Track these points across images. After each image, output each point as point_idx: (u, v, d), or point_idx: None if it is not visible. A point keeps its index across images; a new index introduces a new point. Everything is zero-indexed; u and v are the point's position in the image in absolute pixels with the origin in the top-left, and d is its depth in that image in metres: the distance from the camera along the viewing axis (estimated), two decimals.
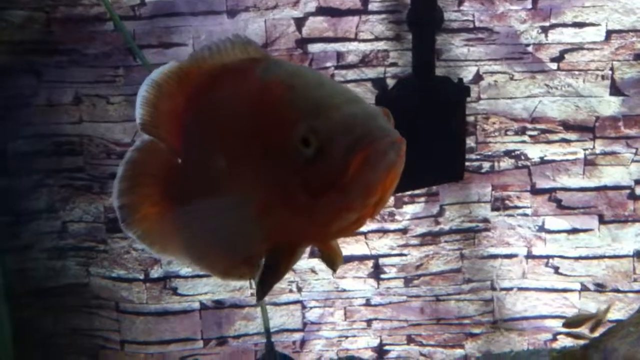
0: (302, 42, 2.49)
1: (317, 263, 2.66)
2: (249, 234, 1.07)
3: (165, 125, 1.15)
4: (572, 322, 2.48)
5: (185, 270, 2.67)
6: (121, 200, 1.18)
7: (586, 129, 2.55)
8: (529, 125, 2.56)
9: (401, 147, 0.94)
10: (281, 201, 1.00)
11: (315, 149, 0.95)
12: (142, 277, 2.68)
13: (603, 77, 2.50)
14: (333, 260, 1.20)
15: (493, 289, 2.70)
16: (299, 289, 2.71)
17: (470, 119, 2.54)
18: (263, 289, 1.12)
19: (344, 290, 2.71)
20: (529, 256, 2.67)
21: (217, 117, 1.10)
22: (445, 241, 2.68)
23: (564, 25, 2.47)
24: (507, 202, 2.63)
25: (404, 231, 2.67)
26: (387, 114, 1.01)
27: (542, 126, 2.56)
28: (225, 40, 1.11)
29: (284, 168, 0.98)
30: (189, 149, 1.15)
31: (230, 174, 1.07)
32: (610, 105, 2.53)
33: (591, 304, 2.68)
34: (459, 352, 2.76)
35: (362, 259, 2.69)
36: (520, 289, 2.70)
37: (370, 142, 0.93)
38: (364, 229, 2.63)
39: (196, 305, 2.72)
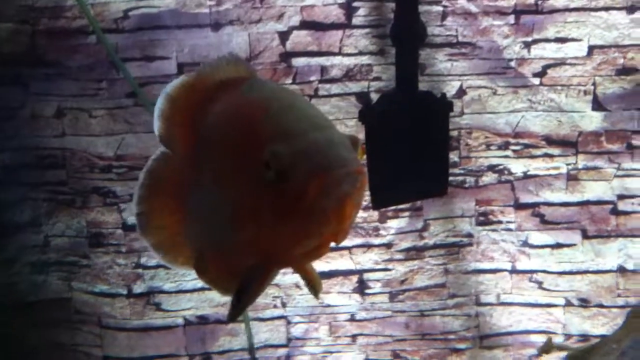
0: (286, 56, 2.50)
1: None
2: (233, 245, 1.11)
3: (178, 137, 1.20)
4: (545, 348, 2.50)
5: (169, 285, 2.66)
6: (139, 207, 1.22)
7: (569, 144, 2.56)
8: (512, 140, 2.57)
9: (358, 178, 0.96)
10: (251, 218, 1.04)
11: (275, 173, 0.98)
12: (125, 292, 2.67)
13: (585, 93, 2.51)
14: (312, 285, 1.26)
15: (478, 303, 2.70)
16: (284, 304, 2.70)
17: (454, 133, 2.55)
18: (235, 309, 1.15)
19: (329, 306, 2.71)
20: (513, 271, 2.67)
21: (211, 131, 1.15)
22: (430, 256, 2.68)
23: (547, 40, 2.49)
24: (490, 216, 2.63)
25: (388, 246, 2.67)
26: (356, 143, 1.03)
27: (525, 141, 2.57)
28: (222, 57, 1.19)
29: (253, 186, 1.01)
30: (194, 160, 1.19)
31: (221, 185, 1.10)
32: (593, 121, 2.54)
33: (575, 319, 2.68)
34: None
35: (346, 274, 2.68)
36: (505, 303, 2.70)
37: (325, 171, 0.95)
38: (348, 243, 2.63)
39: (180, 320, 2.70)
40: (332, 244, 1.04)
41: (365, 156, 1.03)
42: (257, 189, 1.01)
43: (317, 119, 1.05)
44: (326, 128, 1.03)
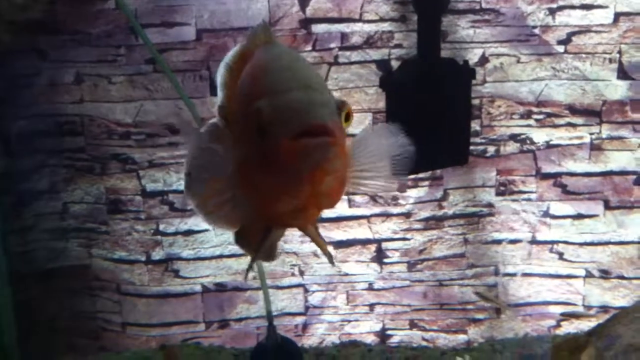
0: (306, 23, 2.47)
1: None
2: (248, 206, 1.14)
3: (232, 105, 1.24)
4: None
5: (187, 252, 2.67)
6: (188, 168, 1.25)
7: (593, 113, 2.53)
8: (534, 109, 2.54)
9: (329, 149, 0.98)
10: (248, 174, 1.08)
11: (258, 129, 1.01)
12: (143, 259, 2.68)
13: (610, 61, 2.47)
14: (322, 251, 1.28)
15: (497, 274, 2.69)
16: (302, 273, 2.70)
17: (476, 102, 2.52)
18: (249, 266, 1.25)
19: (347, 274, 2.71)
20: (534, 241, 2.65)
21: (236, 96, 1.19)
22: (449, 226, 2.67)
23: (572, 7, 2.44)
24: (511, 186, 2.61)
25: (407, 215, 2.65)
26: (342, 108, 1.05)
27: (548, 110, 2.54)
28: (260, 25, 1.24)
29: (247, 142, 1.06)
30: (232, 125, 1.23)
31: (239, 146, 1.14)
32: (618, 89, 2.50)
33: (595, 291, 2.67)
34: (461, 337, 2.75)
35: (365, 243, 2.67)
36: (524, 274, 2.69)
37: (299, 132, 0.97)
38: (366, 212, 2.62)
39: (198, 288, 2.72)
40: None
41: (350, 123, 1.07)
42: (249, 143, 1.05)
43: (309, 81, 1.07)
44: (313, 90, 1.04)
